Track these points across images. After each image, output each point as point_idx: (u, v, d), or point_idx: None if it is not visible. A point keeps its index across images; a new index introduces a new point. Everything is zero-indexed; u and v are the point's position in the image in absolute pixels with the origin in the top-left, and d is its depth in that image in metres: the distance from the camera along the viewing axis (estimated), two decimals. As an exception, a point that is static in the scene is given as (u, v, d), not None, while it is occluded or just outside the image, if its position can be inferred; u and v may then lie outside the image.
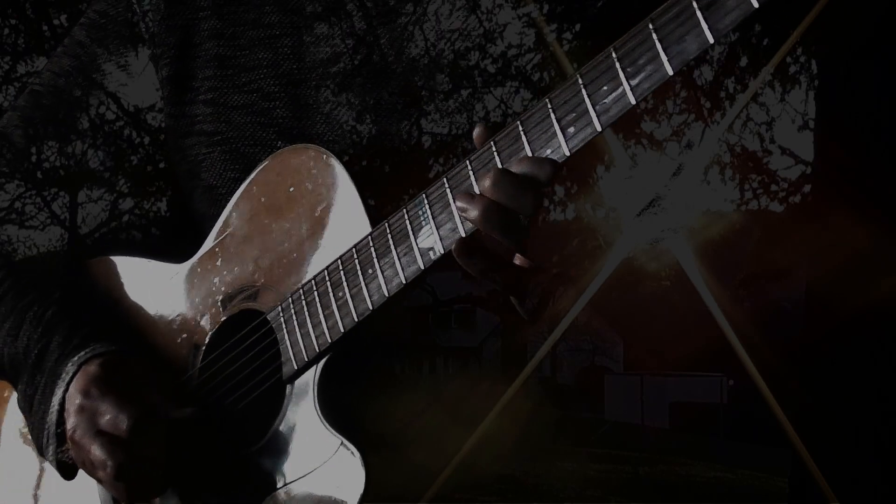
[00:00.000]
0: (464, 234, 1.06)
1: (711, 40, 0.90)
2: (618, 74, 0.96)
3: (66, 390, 1.21)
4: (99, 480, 1.18)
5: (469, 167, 1.06)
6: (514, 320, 1.22)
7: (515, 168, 1.01)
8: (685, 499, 11.48)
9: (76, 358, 1.22)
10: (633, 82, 0.95)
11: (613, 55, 0.96)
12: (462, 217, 1.04)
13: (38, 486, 1.39)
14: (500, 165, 1.03)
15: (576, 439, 16.54)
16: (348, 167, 1.19)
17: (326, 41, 1.41)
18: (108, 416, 1.16)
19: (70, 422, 1.18)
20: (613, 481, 11.94)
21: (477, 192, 1.03)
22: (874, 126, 4.74)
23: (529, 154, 1.01)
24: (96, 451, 1.15)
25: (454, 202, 1.05)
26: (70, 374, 1.21)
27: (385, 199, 1.37)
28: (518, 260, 1.10)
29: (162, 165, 1.54)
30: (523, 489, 10.67)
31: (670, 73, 0.93)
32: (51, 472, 1.31)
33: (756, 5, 0.87)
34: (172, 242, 1.41)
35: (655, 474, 13.23)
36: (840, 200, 4.73)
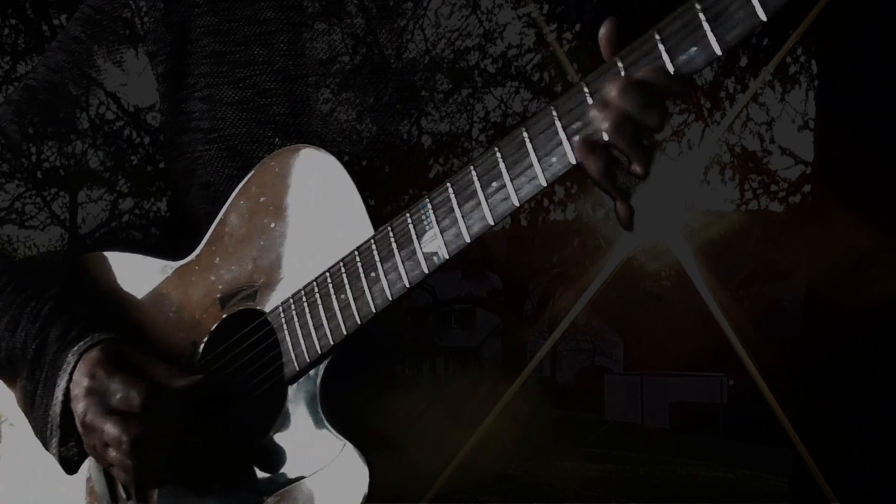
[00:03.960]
0: (468, 240, 1.05)
1: (719, 52, 0.89)
2: None
3: (70, 379, 1.21)
4: (109, 465, 1.18)
5: (473, 172, 1.05)
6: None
7: (640, 76, 0.95)
8: (685, 499, 11.47)
9: (76, 348, 1.22)
10: None
11: (619, 64, 0.96)
12: (592, 128, 0.98)
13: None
14: (504, 171, 1.02)
15: (576, 439, 16.52)
16: (348, 167, 1.18)
17: (326, 40, 1.41)
18: (118, 394, 1.16)
19: (80, 406, 1.18)
20: (613, 481, 11.93)
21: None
22: (874, 126, 4.73)
23: (535, 161, 1.01)
24: (110, 429, 1.15)
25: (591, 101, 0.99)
26: (71, 364, 1.21)
27: (385, 199, 1.37)
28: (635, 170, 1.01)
29: (162, 165, 1.54)
30: (523, 489, 10.66)
31: None
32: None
33: (764, 18, 0.86)
34: (172, 242, 1.40)
35: (655, 474, 13.22)
36: (840, 200, 4.72)
